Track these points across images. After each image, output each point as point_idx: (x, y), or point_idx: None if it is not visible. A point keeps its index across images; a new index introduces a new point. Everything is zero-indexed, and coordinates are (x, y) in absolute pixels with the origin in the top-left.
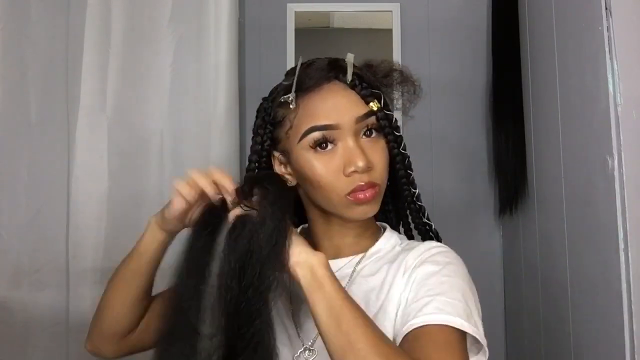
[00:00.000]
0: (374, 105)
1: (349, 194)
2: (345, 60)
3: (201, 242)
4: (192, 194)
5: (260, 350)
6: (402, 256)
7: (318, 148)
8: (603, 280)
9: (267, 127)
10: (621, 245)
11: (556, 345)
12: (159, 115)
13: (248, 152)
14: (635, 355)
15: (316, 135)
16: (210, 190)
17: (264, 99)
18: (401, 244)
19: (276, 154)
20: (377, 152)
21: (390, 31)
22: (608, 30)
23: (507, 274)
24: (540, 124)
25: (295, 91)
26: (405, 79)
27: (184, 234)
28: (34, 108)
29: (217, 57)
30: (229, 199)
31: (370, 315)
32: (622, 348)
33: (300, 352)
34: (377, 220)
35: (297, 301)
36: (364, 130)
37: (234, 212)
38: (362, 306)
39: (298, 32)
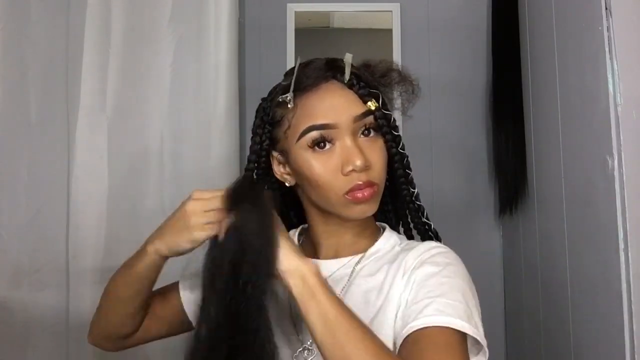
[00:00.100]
0: (372, 105)
1: (347, 193)
2: (344, 60)
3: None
4: (217, 229)
5: (261, 351)
6: (402, 256)
7: (316, 147)
8: (603, 280)
9: (265, 126)
10: (621, 245)
11: (556, 345)
12: (159, 115)
13: (248, 152)
14: (636, 355)
15: (314, 134)
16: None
17: (263, 99)
18: (401, 244)
19: (275, 153)
20: (375, 151)
21: (390, 31)
22: (608, 30)
23: (507, 274)
24: (540, 124)
25: (294, 91)
26: (404, 79)
27: None
28: (34, 108)
29: (217, 57)
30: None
31: (370, 315)
32: (622, 348)
33: (299, 351)
34: (376, 221)
35: (295, 302)
36: (362, 129)
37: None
38: (362, 306)
39: (298, 32)
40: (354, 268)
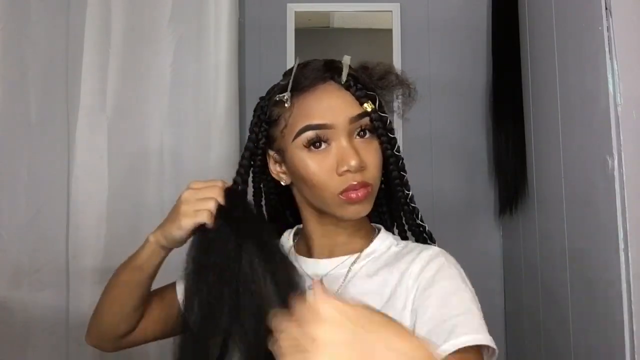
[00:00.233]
0: (368, 107)
1: (341, 193)
2: (342, 61)
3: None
4: (206, 217)
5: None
6: (404, 262)
7: (312, 147)
8: (603, 280)
9: (262, 125)
10: (621, 245)
11: (556, 345)
12: (159, 115)
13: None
14: (636, 356)
15: (310, 134)
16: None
17: (261, 98)
18: (397, 244)
19: (271, 152)
20: (371, 152)
21: (390, 31)
22: (608, 30)
23: (507, 274)
24: (540, 124)
25: (291, 90)
26: (401, 82)
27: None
28: (34, 108)
29: (217, 57)
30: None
31: None
32: (622, 348)
33: None
34: (371, 222)
35: None
36: (358, 130)
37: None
38: None
39: (298, 32)
40: (349, 268)
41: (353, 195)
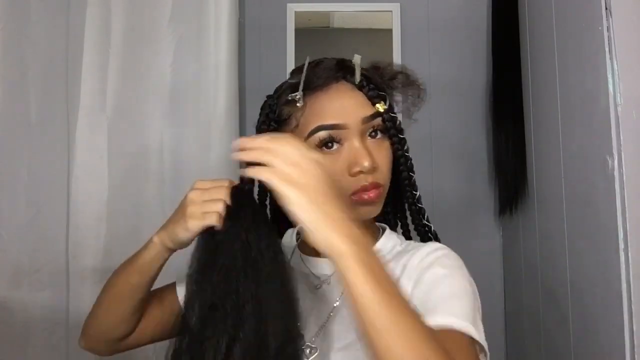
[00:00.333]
0: (381, 107)
1: (353, 194)
2: (353, 61)
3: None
4: (215, 220)
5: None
6: (406, 258)
7: (324, 147)
8: (603, 280)
9: (271, 124)
10: (621, 245)
11: (556, 345)
12: (159, 115)
13: None
14: (636, 356)
15: (323, 134)
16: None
17: (269, 96)
18: (401, 244)
19: None
20: (382, 153)
21: (390, 31)
22: (608, 30)
23: (507, 274)
24: (540, 124)
25: (303, 90)
26: (411, 83)
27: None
28: (34, 108)
29: (217, 57)
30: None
31: None
32: (622, 348)
33: (302, 348)
34: (376, 221)
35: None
36: (370, 131)
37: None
38: None
39: (298, 32)
40: None
41: (365, 196)
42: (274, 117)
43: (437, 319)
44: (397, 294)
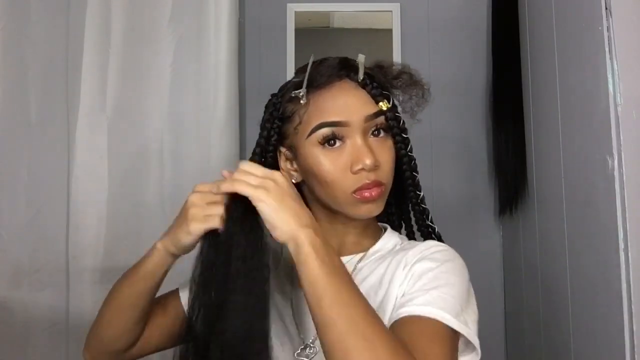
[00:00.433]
0: (384, 105)
1: (355, 191)
2: (357, 60)
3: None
4: (217, 222)
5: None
6: (403, 253)
7: (326, 144)
8: (603, 280)
9: (275, 122)
10: (621, 245)
11: (556, 345)
12: (159, 115)
13: (248, 152)
14: (636, 356)
15: (325, 131)
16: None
17: (273, 94)
18: (401, 243)
19: (283, 149)
20: (385, 151)
21: (390, 31)
22: (608, 30)
23: (507, 274)
24: (540, 124)
25: (306, 87)
26: (415, 83)
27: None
28: (34, 108)
29: (217, 57)
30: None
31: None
32: (622, 348)
33: (301, 348)
34: (378, 221)
35: (296, 300)
36: (373, 129)
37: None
38: None
39: (298, 32)
40: (355, 266)
41: (367, 194)
42: (278, 114)
43: (411, 308)
44: (346, 276)
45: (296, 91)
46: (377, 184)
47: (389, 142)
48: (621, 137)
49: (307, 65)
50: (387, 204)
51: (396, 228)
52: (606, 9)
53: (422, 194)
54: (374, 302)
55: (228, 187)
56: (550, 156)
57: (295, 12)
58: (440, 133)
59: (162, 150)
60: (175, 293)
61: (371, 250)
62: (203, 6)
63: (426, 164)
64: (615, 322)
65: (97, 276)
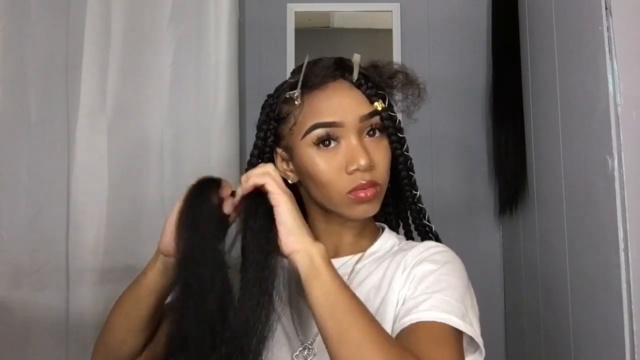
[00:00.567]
0: (379, 105)
1: (350, 192)
2: (352, 60)
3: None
4: None
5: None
6: (402, 255)
7: (321, 145)
8: (603, 280)
9: (271, 122)
10: (621, 245)
11: (556, 345)
12: (159, 115)
13: (248, 152)
14: (636, 356)
15: (320, 132)
16: None
17: (269, 95)
18: (399, 244)
19: (279, 150)
20: (380, 151)
21: (390, 31)
22: (608, 30)
23: (507, 274)
24: (540, 124)
25: (301, 88)
26: (411, 82)
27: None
28: (34, 108)
29: (217, 57)
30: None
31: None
32: (622, 348)
33: (300, 350)
34: (376, 221)
35: (295, 302)
36: (368, 129)
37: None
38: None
39: (298, 32)
40: (353, 267)
41: (362, 194)
42: (274, 115)
43: (417, 315)
44: (354, 297)
45: (291, 92)
46: (373, 184)
47: (385, 142)
48: (621, 137)
49: (302, 65)
50: (385, 204)
51: (394, 228)
52: (606, 9)
53: (418, 193)
54: (372, 305)
55: (257, 180)
56: (550, 156)
57: (295, 12)
58: (440, 133)
59: (162, 150)
60: None
61: (369, 250)
62: (203, 6)
63: (426, 164)
64: (615, 322)
65: (97, 276)
